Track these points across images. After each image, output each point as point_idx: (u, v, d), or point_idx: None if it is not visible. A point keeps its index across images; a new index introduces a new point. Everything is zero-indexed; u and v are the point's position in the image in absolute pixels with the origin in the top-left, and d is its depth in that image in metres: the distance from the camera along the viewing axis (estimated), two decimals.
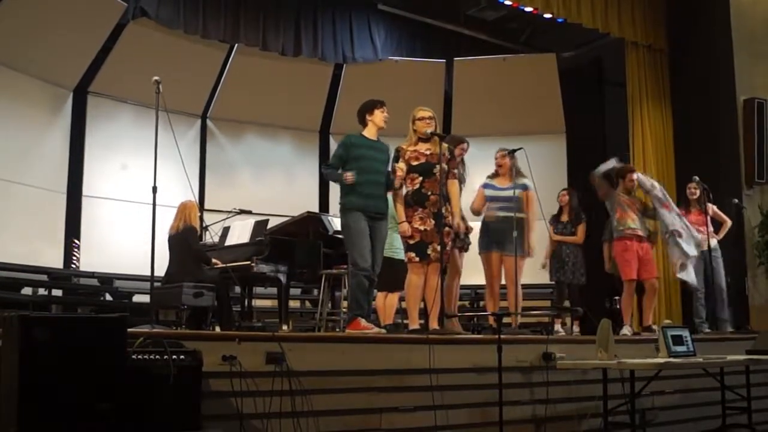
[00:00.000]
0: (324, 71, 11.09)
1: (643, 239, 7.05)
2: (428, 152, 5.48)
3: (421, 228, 5.35)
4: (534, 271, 7.65)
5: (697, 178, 7.89)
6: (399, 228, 5.48)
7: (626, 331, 6.88)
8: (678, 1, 10.63)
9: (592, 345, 5.04)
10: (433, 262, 5.35)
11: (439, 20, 11.29)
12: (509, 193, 6.45)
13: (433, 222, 5.34)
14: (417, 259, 5.36)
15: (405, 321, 5.75)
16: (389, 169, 5.51)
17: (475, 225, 6.76)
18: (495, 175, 6.69)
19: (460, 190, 6.11)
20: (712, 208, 7.96)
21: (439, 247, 5.30)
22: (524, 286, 6.62)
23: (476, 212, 6.67)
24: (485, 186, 6.67)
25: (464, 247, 6.46)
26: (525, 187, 6.54)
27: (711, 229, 7.82)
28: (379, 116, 5.50)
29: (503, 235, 6.37)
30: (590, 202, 8.08)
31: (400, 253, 6.14)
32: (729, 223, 8.18)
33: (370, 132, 5.52)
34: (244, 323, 7.18)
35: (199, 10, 9.79)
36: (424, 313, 5.76)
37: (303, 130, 11.45)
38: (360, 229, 5.24)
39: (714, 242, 7.81)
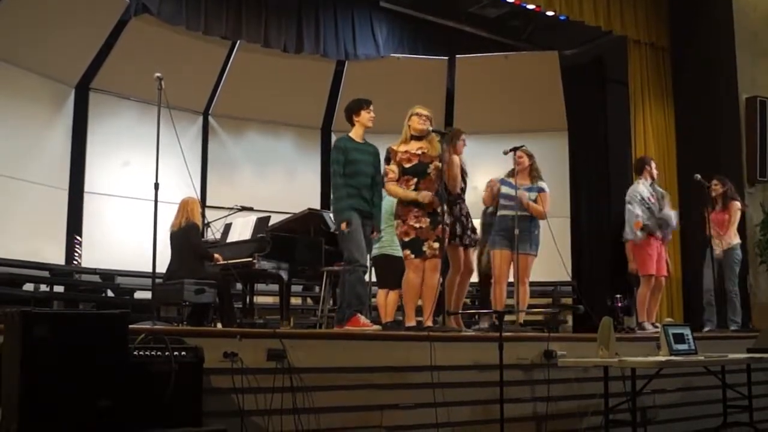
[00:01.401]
0: (326, 68, 11.07)
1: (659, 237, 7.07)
2: (420, 152, 5.46)
3: (416, 225, 5.35)
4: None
5: (698, 176, 7.88)
6: (421, 196, 5.36)
7: (649, 327, 6.86)
8: None
9: (593, 343, 5.04)
10: (429, 258, 5.35)
11: (441, 17, 11.27)
12: (526, 193, 6.45)
13: (428, 220, 5.35)
14: (413, 256, 5.36)
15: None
16: (381, 170, 5.53)
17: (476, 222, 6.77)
18: (512, 174, 6.64)
19: (464, 185, 6.16)
20: (735, 205, 7.89)
21: (435, 244, 5.31)
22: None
23: (487, 204, 6.64)
24: (501, 182, 6.63)
25: (471, 244, 6.42)
26: (541, 189, 6.54)
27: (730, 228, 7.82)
28: (365, 116, 5.52)
29: (517, 233, 6.34)
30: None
31: (398, 250, 6.16)
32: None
33: (357, 133, 5.55)
34: (246, 320, 7.18)
35: (201, 6, 9.77)
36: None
37: (305, 127, 11.43)
38: (356, 226, 5.29)
39: (733, 242, 7.80)
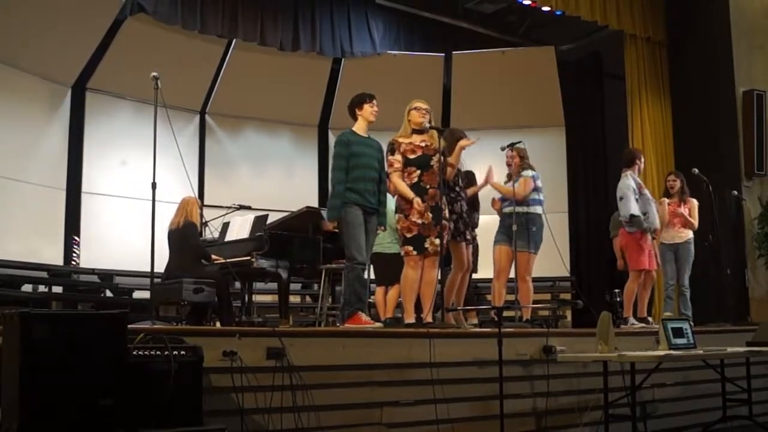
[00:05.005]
0: (322, 66, 11.07)
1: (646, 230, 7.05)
2: (423, 144, 5.46)
3: (419, 221, 5.34)
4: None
5: (696, 170, 7.87)
6: (416, 201, 5.30)
7: (634, 322, 6.87)
8: None
9: (592, 338, 5.05)
10: (430, 255, 5.34)
11: (437, 14, 11.26)
12: (510, 186, 6.50)
13: (431, 215, 5.34)
14: (414, 252, 5.35)
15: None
16: (384, 162, 5.51)
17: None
18: (509, 177, 6.68)
19: (461, 183, 6.18)
20: (691, 202, 7.67)
21: (436, 241, 5.30)
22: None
23: (521, 199, 6.58)
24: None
25: (471, 241, 6.41)
26: (521, 176, 6.56)
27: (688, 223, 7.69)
28: (368, 110, 5.49)
29: (513, 230, 6.34)
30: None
31: (392, 247, 6.17)
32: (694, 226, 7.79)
33: (360, 127, 5.53)
34: (245, 319, 7.18)
35: (196, 5, 9.76)
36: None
37: (302, 125, 11.43)
38: (359, 224, 5.28)
39: (689, 236, 7.61)
